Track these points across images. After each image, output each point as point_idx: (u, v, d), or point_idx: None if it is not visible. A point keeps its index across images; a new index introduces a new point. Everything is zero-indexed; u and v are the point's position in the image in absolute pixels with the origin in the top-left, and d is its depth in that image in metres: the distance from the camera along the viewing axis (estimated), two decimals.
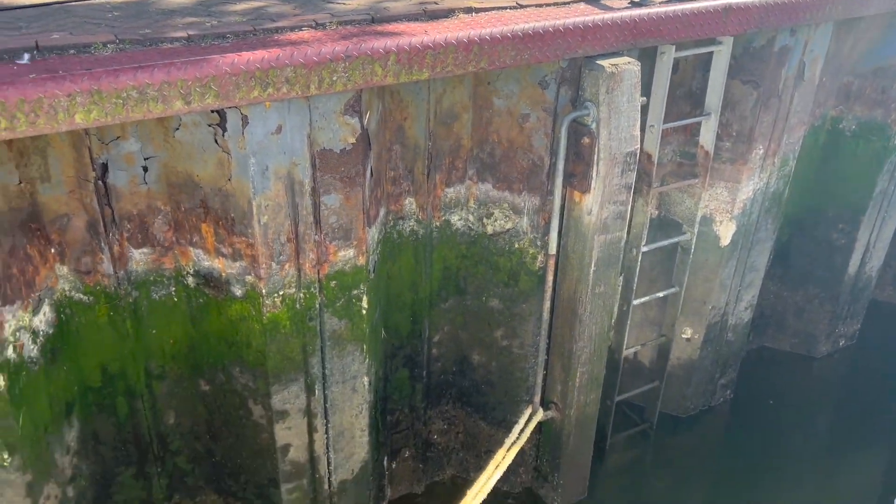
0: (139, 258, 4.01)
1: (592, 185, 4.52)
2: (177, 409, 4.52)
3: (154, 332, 4.23)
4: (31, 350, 3.73)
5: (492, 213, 4.88)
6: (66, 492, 4.10)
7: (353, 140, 3.90)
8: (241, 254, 3.97)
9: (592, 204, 4.58)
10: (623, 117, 4.41)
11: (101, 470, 4.44)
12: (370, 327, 4.60)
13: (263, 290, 4.05)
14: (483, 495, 4.38)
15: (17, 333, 3.61)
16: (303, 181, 3.87)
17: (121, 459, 4.51)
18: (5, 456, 3.66)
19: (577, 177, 4.58)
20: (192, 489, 4.86)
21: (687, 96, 5.28)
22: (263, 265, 3.97)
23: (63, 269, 3.86)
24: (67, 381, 4.05)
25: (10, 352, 3.57)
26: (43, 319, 3.79)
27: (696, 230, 5.60)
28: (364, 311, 4.46)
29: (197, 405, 4.56)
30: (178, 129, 3.66)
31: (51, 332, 3.86)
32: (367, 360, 4.64)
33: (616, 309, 5.66)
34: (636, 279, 5.51)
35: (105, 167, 3.71)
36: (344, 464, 4.87)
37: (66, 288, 3.90)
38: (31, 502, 3.84)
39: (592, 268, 4.76)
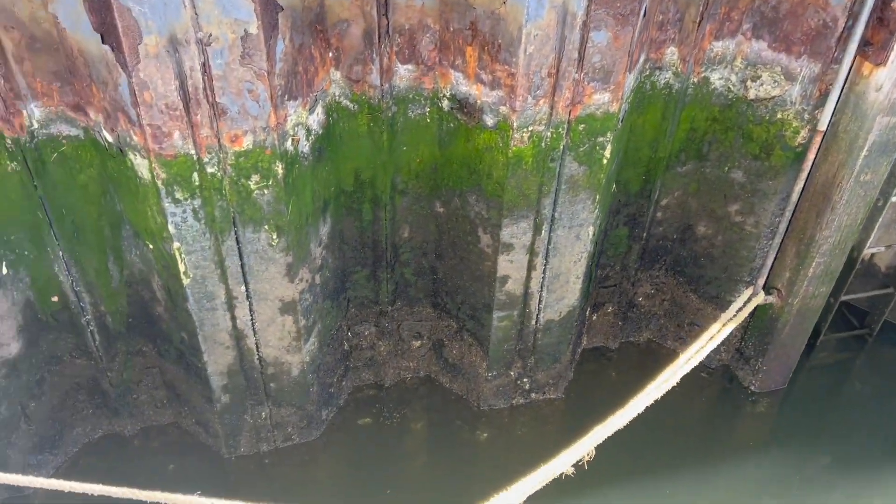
0: (403, 74, 4.13)
1: (891, 58, 3.98)
2: (412, 224, 4.81)
3: (405, 148, 4.42)
4: (304, 146, 4.05)
5: (759, 76, 4.48)
6: (315, 278, 4.58)
7: None
8: (500, 83, 3.96)
9: (885, 79, 4.05)
10: None
11: (341, 266, 4.89)
12: (606, 178, 4.53)
13: (514, 123, 4.05)
14: (693, 364, 4.36)
15: (296, 128, 3.91)
16: (576, 13, 3.71)
17: (358, 260, 4.93)
18: (274, 237, 4.11)
19: (875, 46, 4.04)
20: (413, 299, 5.25)
21: None
22: (520, 97, 3.95)
23: (336, 75, 4.07)
24: (327, 181, 4.39)
25: (288, 144, 3.90)
26: (316, 119, 4.07)
27: None
28: (605, 161, 4.37)
29: (430, 224, 4.81)
30: None
31: (320, 132, 4.14)
32: (597, 210, 4.62)
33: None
34: None
35: None
36: (554, 304, 5.02)
37: (337, 93, 4.13)
38: (288, 280, 4.34)
39: (864, 152, 4.30)
